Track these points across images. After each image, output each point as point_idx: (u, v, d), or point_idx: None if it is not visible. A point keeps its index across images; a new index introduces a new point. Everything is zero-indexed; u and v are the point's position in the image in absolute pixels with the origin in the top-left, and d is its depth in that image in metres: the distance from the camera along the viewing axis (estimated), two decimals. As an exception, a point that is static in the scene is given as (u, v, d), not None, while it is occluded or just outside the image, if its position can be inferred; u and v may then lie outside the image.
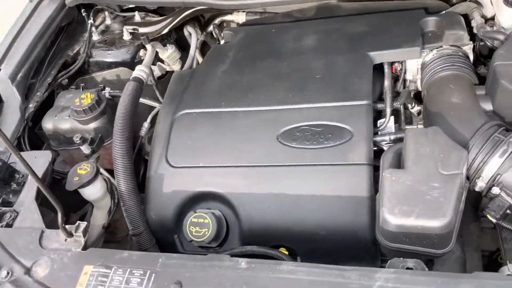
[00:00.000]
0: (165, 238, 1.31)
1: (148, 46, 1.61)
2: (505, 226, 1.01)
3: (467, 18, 1.40)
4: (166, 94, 1.49)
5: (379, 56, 1.32)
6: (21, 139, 1.51)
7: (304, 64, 1.38)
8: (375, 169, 1.13)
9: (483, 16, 1.35)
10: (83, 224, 1.06)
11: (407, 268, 0.91)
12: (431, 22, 1.37)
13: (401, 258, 0.93)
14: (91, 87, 1.71)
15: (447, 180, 0.95)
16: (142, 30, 1.79)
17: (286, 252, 1.21)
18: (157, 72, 1.79)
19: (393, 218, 0.93)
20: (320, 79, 1.32)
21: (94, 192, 1.37)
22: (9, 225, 1.15)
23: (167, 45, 1.74)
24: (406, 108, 1.32)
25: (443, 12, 1.41)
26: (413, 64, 1.37)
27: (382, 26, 1.41)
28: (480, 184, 1.01)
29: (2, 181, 1.34)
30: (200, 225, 1.22)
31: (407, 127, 1.24)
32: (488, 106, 1.13)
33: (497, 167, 0.99)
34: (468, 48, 1.32)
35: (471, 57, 1.33)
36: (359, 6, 1.55)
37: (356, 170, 1.14)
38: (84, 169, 1.34)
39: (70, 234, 1.04)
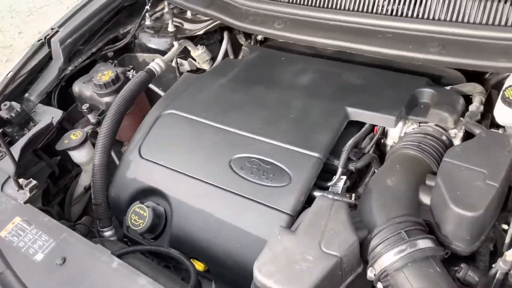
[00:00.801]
0: (117, 216, 1.47)
1: (175, 43, 1.76)
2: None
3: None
4: (168, 90, 1.62)
5: (355, 113, 1.29)
6: (51, 94, 1.78)
7: (288, 100, 1.40)
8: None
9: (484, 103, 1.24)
10: (33, 182, 1.26)
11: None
12: (426, 94, 1.29)
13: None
14: (134, 65, 1.94)
15: (321, 258, 0.94)
16: (185, 26, 1.94)
17: (201, 266, 1.30)
18: (186, 67, 1.94)
19: (258, 274, 0.96)
20: (292, 119, 1.34)
21: (79, 156, 1.59)
22: (-8, 163, 1.41)
23: (199, 45, 1.87)
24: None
25: (448, 87, 1.31)
26: (396, 131, 1.32)
27: (376, 83, 1.36)
28: (370, 275, 0.98)
29: (18, 124, 1.61)
30: (139, 215, 1.35)
31: (320, 194, 1.20)
32: (428, 200, 1.06)
33: (387, 264, 0.95)
34: (453, 133, 1.23)
35: (457, 142, 1.23)
36: (378, 58, 1.50)
37: (277, 216, 1.16)
38: (76, 135, 1.56)
39: (20, 187, 1.24)
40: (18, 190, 1.25)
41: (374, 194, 1.08)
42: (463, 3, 1.14)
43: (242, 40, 1.94)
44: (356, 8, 1.27)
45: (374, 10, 1.24)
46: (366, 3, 1.26)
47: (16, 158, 1.37)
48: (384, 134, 1.35)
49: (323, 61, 1.51)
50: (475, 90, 1.27)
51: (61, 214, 1.65)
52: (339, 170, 1.24)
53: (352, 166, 1.25)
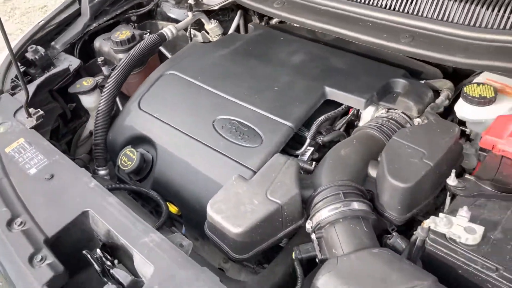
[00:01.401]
0: (112, 158, 1.65)
1: (189, 14, 1.92)
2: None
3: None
4: (175, 54, 1.78)
5: (331, 93, 1.41)
6: (75, 45, 1.97)
7: (276, 75, 1.53)
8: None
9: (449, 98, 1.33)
10: (40, 112, 1.44)
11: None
12: (400, 84, 1.39)
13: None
14: (153, 31, 2.11)
15: (265, 203, 1.08)
16: (204, 0, 2.08)
17: (175, 209, 1.45)
18: (199, 38, 2.09)
19: (210, 209, 1.11)
20: (276, 91, 1.47)
21: (88, 101, 1.77)
22: (13, 94, 1.60)
23: (212, 20, 2.01)
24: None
25: (422, 81, 1.41)
26: (368, 114, 1.43)
27: (357, 69, 1.47)
28: (307, 226, 1.11)
29: (41, 67, 1.80)
30: (129, 157, 1.52)
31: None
32: (375, 173, 1.18)
33: (322, 218, 1.07)
34: (417, 122, 1.33)
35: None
36: (370, 48, 1.60)
37: (243, 171, 1.29)
38: (87, 81, 1.74)
39: (29, 115, 1.42)
40: (27, 117, 1.43)
41: (327, 161, 1.21)
42: (439, 1, 1.24)
43: (256, 20, 2.07)
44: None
45: (361, 0, 1.35)
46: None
47: (31, 92, 1.57)
48: (357, 116, 1.46)
49: (316, 45, 1.63)
50: (445, 85, 1.36)
51: (67, 151, 1.84)
52: (307, 141, 1.37)
53: (320, 139, 1.38)
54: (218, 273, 1.05)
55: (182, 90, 1.59)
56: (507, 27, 1.14)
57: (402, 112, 1.35)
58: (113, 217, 1.07)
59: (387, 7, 1.30)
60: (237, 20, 1.99)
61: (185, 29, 2.00)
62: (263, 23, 2.02)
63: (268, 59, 1.61)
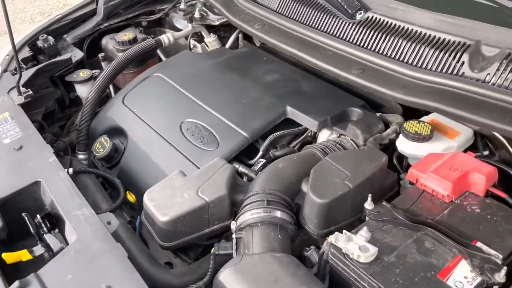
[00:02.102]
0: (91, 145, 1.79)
1: (189, 25, 2.07)
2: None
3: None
4: (167, 59, 1.93)
5: (291, 112, 1.51)
6: (84, 40, 2.15)
7: (248, 90, 1.64)
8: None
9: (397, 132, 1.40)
10: (29, 92, 1.60)
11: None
12: (355, 113, 1.47)
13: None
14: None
15: (194, 198, 1.18)
16: (210, 16, 2.24)
17: (133, 198, 1.56)
18: (199, 50, 2.23)
19: (145, 197, 1.22)
20: (243, 103, 1.58)
21: (82, 91, 1.93)
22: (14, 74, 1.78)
23: (212, 34, 2.16)
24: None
25: (378, 114, 1.48)
26: (323, 137, 1.51)
27: (321, 94, 1.56)
28: (232, 226, 1.19)
29: (49, 55, 1.99)
30: (102, 145, 1.66)
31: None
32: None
33: (244, 220, 1.16)
34: (363, 149, 1.40)
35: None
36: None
37: (194, 170, 1.40)
38: (84, 73, 1.92)
39: (20, 93, 1.59)
40: (18, 95, 1.60)
41: (264, 171, 1.30)
42: (390, 38, 1.33)
43: (256, 41, 2.21)
44: (315, 25, 1.49)
45: (327, 30, 1.45)
46: (323, 24, 1.47)
47: (30, 74, 1.74)
48: (314, 138, 1.54)
49: (292, 68, 1.73)
50: (396, 120, 1.43)
51: (60, 134, 1.99)
52: (260, 153, 1.47)
53: (272, 153, 1.47)
54: (152, 262, 1.17)
55: (163, 92, 1.72)
56: (444, 70, 1.21)
57: (351, 139, 1.42)
58: (58, 190, 1.19)
59: (346, 39, 1.40)
60: (233, 37, 2.12)
61: (186, 38, 2.16)
62: (258, 43, 2.15)
63: (245, 74, 1.73)
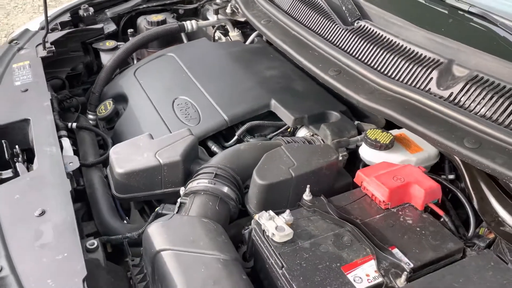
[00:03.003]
0: (101, 107, 1.96)
1: (214, 16, 2.20)
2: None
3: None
4: (187, 42, 2.07)
5: (274, 106, 1.56)
6: (122, 17, 2.34)
7: (244, 80, 1.71)
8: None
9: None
10: (52, 48, 1.79)
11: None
12: (333, 116, 1.50)
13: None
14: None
15: (149, 158, 1.28)
16: (240, 13, 2.35)
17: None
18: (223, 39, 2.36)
19: (111, 150, 1.34)
20: (234, 91, 1.67)
21: (106, 59, 2.11)
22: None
23: (236, 28, 2.27)
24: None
25: (356, 122, 1.50)
26: (302, 133, 1.55)
27: (308, 94, 1.60)
28: (181, 192, 1.27)
29: (86, 23, 2.20)
30: (105, 107, 1.82)
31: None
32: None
33: (189, 187, 1.24)
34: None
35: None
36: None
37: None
38: (110, 43, 2.09)
39: (44, 48, 1.78)
40: (43, 50, 1.79)
41: (227, 150, 1.37)
42: (372, 48, 1.36)
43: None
44: (313, 28, 1.54)
45: (321, 33, 1.51)
46: (321, 27, 1.52)
47: (60, 35, 1.94)
48: (293, 135, 1.59)
49: (292, 68, 1.79)
50: (369, 128, 1.45)
51: (81, 95, 2.19)
52: (235, 137, 1.54)
53: (246, 139, 1.54)
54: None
55: (169, 70, 1.85)
56: (413, 84, 1.22)
57: (322, 139, 1.46)
58: (41, 129, 1.34)
59: (335, 43, 1.44)
60: (254, 34, 2.21)
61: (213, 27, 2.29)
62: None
63: (247, 67, 1.81)
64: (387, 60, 1.31)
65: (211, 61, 1.88)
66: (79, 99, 1.97)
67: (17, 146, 1.31)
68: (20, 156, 1.30)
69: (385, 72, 1.29)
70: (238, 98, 1.63)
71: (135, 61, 2.22)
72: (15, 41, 1.86)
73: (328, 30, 1.51)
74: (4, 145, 1.28)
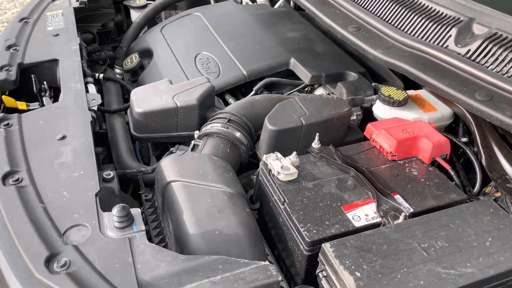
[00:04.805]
0: (127, 61, 2.03)
1: (242, -14, 2.22)
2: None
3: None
4: (214, 3, 2.12)
5: (294, 64, 1.59)
6: None
7: (266, 40, 1.74)
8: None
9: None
10: (84, 0, 1.86)
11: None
12: (350, 76, 1.51)
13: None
14: None
15: (167, 100, 1.33)
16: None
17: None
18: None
19: (133, 92, 1.39)
20: (255, 49, 1.70)
21: (134, 16, 2.17)
22: None
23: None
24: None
25: (376, 84, 1.50)
26: (319, 91, 1.57)
27: (328, 56, 1.62)
28: (195, 135, 1.31)
29: None
30: (131, 60, 1.88)
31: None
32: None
33: (204, 130, 1.28)
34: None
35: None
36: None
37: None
38: (140, 1, 2.15)
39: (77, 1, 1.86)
40: (76, 1, 1.87)
41: (243, 99, 1.41)
42: (389, 4, 1.36)
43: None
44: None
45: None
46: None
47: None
48: (310, 92, 1.61)
49: (315, 31, 1.80)
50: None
51: (111, 51, 2.26)
52: (252, 92, 1.57)
53: (264, 94, 1.57)
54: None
55: (195, 28, 1.90)
56: (431, 40, 1.22)
57: (337, 97, 1.47)
58: (68, 68, 1.41)
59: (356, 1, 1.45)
60: (281, 1, 2.23)
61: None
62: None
63: (270, 27, 1.83)
64: (407, 17, 1.31)
65: (236, 21, 1.91)
66: (108, 53, 2.05)
67: (45, 82, 1.38)
68: (48, 91, 1.37)
69: (404, 29, 1.29)
70: (258, 55, 1.66)
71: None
72: (50, -8, 1.94)
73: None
74: (33, 79, 1.36)
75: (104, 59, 1.99)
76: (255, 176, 1.27)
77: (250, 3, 2.35)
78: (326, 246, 0.85)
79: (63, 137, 1.10)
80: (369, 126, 1.22)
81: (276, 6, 2.19)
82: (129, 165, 1.41)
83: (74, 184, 0.97)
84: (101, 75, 1.77)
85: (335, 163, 1.13)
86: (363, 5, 1.43)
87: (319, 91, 1.57)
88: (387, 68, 1.29)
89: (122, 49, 2.01)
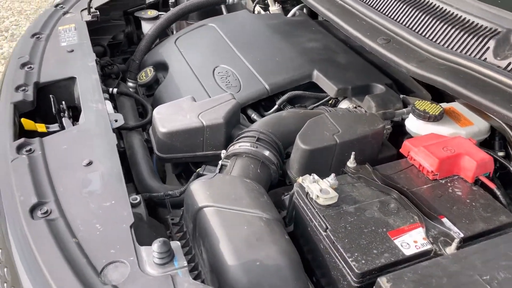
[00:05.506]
0: (140, 75, 1.97)
1: (256, -10, 2.17)
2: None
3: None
4: (228, 14, 2.06)
5: (317, 76, 1.54)
6: None
7: (285, 51, 1.70)
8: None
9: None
10: (96, 13, 1.81)
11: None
12: (377, 88, 1.46)
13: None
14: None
15: (192, 119, 1.28)
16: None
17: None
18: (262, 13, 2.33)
19: (155, 111, 1.34)
20: (275, 61, 1.65)
21: (147, 28, 2.12)
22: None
23: (277, 3, 2.24)
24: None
25: (401, 95, 1.46)
26: (344, 106, 1.52)
27: (352, 67, 1.57)
28: (222, 155, 1.26)
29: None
30: (146, 74, 1.83)
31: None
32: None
33: (232, 149, 1.23)
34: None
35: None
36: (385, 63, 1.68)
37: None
38: (152, 12, 2.11)
39: (89, 13, 1.80)
40: (88, 14, 1.82)
41: (269, 116, 1.36)
42: (421, 15, 1.31)
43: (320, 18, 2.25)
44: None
45: (368, 1, 1.47)
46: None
47: (103, 2, 1.96)
48: (334, 107, 1.56)
49: (335, 41, 1.76)
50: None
51: (122, 63, 2.20)
52: (275, 106, 1.52)
53: (286, 109, 1.52)
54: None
55: (210, 40, 1.85)
56: (468, 53, 1.18)
57: (365, 111, 1.42)
58: (86, 87, 1.36)
59: (383, 11, 1.40)
60: (295, 9, 2.17)
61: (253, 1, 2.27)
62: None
63: (288, 38, 1.79)
64: (439, 29, 1.26)
65: (252, 32, 1.86)
66: (120, 66, 2.00)
67: (63, 102, 1.33)
68: (66, 112, 1.32)
69: (437, 41, 1.24)
70: (279, 68, 1.61)
71: (174, 33, 2.22)
72: (60, 5, 1.88)
73: (376, -1, 1.47)
74: (52, 99, 1.30)
75: (117, 73, 1.94)
76: (286, 197, 1.22)
77: (262, 12, 2.31)
78: (383, 281, 0.79)
79: (90, 163, 1.05)
80: (406, 143, 1.17)
81: (290, 14, 2.15)
82: (151, 186, 1.36)
83: (106, 215, 0.92)
84: (115, 90, 1.71)
85: (375, 184, 1.08)
86: (391, 15, 1.38)
87: (344, 104, 1.52)
88: (418, 80, 1.24)
89: (134, 62, 1.96)
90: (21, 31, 4.83)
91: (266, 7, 2.33)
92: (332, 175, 1.05)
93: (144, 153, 1.47)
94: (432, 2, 1.34)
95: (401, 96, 1.46)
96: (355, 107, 1.47)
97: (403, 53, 1.26)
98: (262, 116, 1.53)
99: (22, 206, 0.92)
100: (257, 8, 2.29)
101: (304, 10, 2.21)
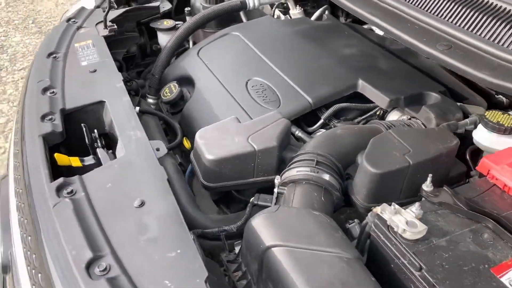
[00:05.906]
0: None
1: (275, -7, 2.05)
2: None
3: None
4: (249, 21, 1.93)
5: (363, 86, 1.42)
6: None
7: (321, 58, 1.58)
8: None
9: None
10: (113, 26, 1.67)
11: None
12: (432, 97, 1.35)
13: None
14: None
15: (242, 143, 1.15)
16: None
17: (189, 145, 1.58)
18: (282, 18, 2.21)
19: (197, 135, 1.21)
20: (313, 70, 1.53)
21: (164, 39, 2.00)
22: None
23: (298, 6, 2.12)
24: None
25: (459, 103, 1.35)
26: (393, 117, 1.41)
27: (398, 74, 1.46)
28: (275, 181, 1.15)
29: (141, 2, 2.07)
30: (170, 90, 1.69)
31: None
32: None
33: (288, 176, 1.11)
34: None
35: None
36: (428, 65, 1.57)
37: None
38: (168, 22, 1.98)
39: (105, 27, 1.67)
40: (103, 28, 1.68)
41: (321, 134, 1.24)
42: (483, 18, 1.20)
43: (342, 19, 2.14)
44: (407, -1, 1.39)
45: (417, 3, 1.35)
46: (416, -2, 1.37)
47: (117, 14, 1.82)
48: (382, 118, 1.45)
49: (372, 45, 1.65)
50: (477, 111, 1.30)
51: (137, 78, 2.07)
52: (320, 121, 1.41)
53: (333, 123, 1.40)
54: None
55: (237, 50, 1.72)
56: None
57: (423, 123, 1.31)
58: (119, 111, 1.23)
59: (436, 14, 1.29)
60: (319, 11, 2.06)
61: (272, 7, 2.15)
62: (346, 18, 2.08)
63: (322, 44, 1.67)
64: (505, 31, 1.15)
65: (280, 39, 1.74)
66: (139, 81, 1.86)
67: (95, 131, 1.20)
68: (99, 141, 1.19)
69: (508, 45, 1.13)
70: (319, 78, 1.49)
71: (190, 44, 2.09)
72: (72, 20, 1.74)
73: (427, 0, 1.35)
74: (84, 129, 1.17)
75: (136, 90, 1.80)
76: (352, 225, 1.11)
77: (282, 16, 2.18)
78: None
79: (142, 204, 0.92)
80: (485, 160, 1.06)
81: (314, 17, 2.04)
82: (193, 216, 1.23)
83: (174, 269, 0.79)
84: (137, 109, 1.58)
85: (461, 211, 0.97)
86: (446, 18, 1.27)
87: (394, 115, 1.40)
88: (472, 85, 1.13)
89: (154, 77, 1.82)
90: (10, 42, 4.64)
91: (285, 11, 2.21)
92: (417, 204, 0.93)
93: (180, 179, 1.33)
94: (492, 2, 1.23)
95: (459, 104, 1.35)
96: (409, 119, 1.36)
97: (470, 60, 1.15)
98: (306, 132, 1.41)
99: (76, 263, 0.79)
100: (277, 12, 2.17)
101: (326, 12, 2.09)
